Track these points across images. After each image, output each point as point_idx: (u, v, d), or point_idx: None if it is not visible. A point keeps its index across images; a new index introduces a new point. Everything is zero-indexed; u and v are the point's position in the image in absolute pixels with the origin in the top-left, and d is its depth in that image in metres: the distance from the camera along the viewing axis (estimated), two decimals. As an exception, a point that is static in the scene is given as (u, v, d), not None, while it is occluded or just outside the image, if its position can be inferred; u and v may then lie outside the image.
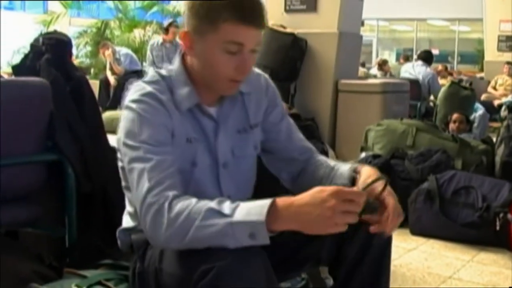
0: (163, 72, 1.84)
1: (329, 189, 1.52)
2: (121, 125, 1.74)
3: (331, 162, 2.01)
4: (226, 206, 1.53)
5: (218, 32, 1.68)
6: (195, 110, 1.82)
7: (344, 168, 1.92)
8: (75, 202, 2.42)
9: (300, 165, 2.03)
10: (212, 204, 1.54)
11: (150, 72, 1.86)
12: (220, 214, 1.51)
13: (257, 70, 1.99)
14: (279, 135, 2.01)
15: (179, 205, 1.55)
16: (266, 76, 2.02)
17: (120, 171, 1.86)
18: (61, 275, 1.98)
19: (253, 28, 1.70)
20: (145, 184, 1.61)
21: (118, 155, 1.82)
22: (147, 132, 1.68)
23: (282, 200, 1.53)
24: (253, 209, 1.51)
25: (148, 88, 1.76)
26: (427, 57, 8.87)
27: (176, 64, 1.84)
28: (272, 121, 2.00)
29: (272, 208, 1.51)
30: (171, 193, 1.59)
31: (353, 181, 1.85)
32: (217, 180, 1.85)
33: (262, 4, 1.75)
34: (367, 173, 1.82)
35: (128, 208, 1.92)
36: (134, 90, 1.77)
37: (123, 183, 1.88)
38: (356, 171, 1.87)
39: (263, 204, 1.51)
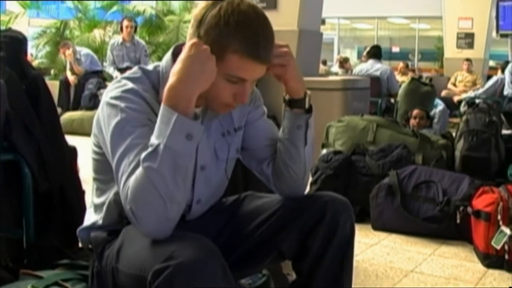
0: (149, 67, 1.79)
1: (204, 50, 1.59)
2: (104, 121, 1.68)
3: None
4: (147, 144, 1.54)
5: (223, 61, 1.62)
6: None
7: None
8: (32, 203, 2.38)
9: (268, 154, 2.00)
10: (141, 156, 1.54)
11: (133, 68, 1.79)
12: (153, 152, 1.52)
13: None
14: (255, 133, 1.98)
15: (132, 184, 1.54)
16: None
17: (93, 162, 1.83)
18: (17, 277, 1.94)
19: (260, 64, 1.67)
20: (124, 179, 1.59)
21: (93, 147, 1.79)
22: (131, 130, 1.63)
23: (164, 94, 1.57)
24: (162, 120, 1.54)
25: (130, 85, 1.70)
26: (376, 53, 8.86)
27: (165, 62, 1.79)
28: (251, 119, 1.98)
29: (168, 103, 1.54)
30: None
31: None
32: (192, 182, 1.81)
33: (273, 37, 1.70)
34: None
35: (95, 199, 1.88)
36: (115, 86, 1.71)
37: (93, 175, 1.85)
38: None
39: (162, 109, 1.55)
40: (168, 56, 1.80)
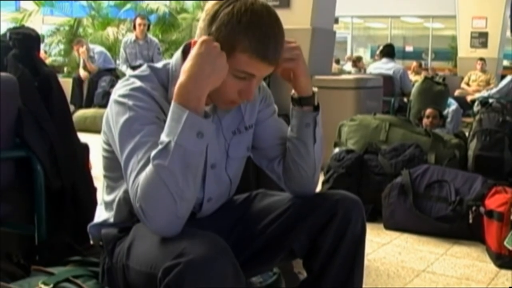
0: (158, 65, 1.79)
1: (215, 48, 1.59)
2: (113, 119, 1.69)
3: None
4: (158, 142, 1.54)
5: (232, 58, 1.62)
6: None
7: None
8: (44, 200, 2.38)
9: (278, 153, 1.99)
10: (152, 152, 1.54)
11: (142, 67, 1.80)
12: (164, 149, 1.52)
13: None
14: (266, 131, 1.98)
15: (142, 181, 1.55)
16: None
17: (103, 160, 1.84)
18: (28, 273, 1.95)
19: (269, 65, 1.67)
20: (132, 177, 1.59)
21: (103, 145, 1.80)
22: (139, 127, 1.63)
23: (174, 91, 1.57)
24: (172, 118, 1.54)
25: (138, 83, 1.70)
26: (389, 52, 8.84)
27: (175, 60, 1.79)
28: (261, 118, 1.97)
29: (178, 100, 1.54)
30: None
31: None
32: (203, 180, 1.82)
33: (283, 38, 1.71)
34: None
35: (105, 197, 1.88)
36: (123, 85, 1.72)
37: (104, 172, 1.86)
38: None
39: (173, 107, 1.55)
40: (178, 54, 1.80)
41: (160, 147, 1.52)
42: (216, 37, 1.62)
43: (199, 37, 1.67)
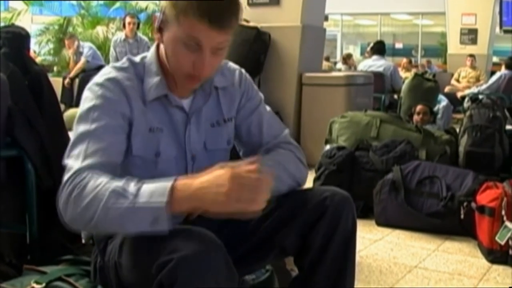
0: (136, 59, 1.84)
1: (226, 171, 1.53)
2: (80, 104, 1.75)
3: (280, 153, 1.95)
4: (132, 186, 1.53)
5: (180, 24, 1.66)
6: (163, 101, 1.81)
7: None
8: (35, 199, 2.37)
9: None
10: (119, 184, 1.54)
11: (123, 59, 1.85)
12: (124, 195, 1.51)
13: (233, 65, 2.00)
14: (250, 127, 1.98)
15: (91, 183, 1.55)
16: (243, 71, 2.01)
17: None
18: (20, 272, 1.94)
19: (214, 29, 1.66)
20: (77, 164, 1.61)
21: None
22: (100, 116, 1.69)
23: (183, 180, 1.53)
24: (156, 191, 1.51)
25: (114, 74, 1.76)
26: (379, 49, 8.86)
27: (150, 53, 1.84)
28: (244, 114, 1.98)
29: (174, 189, 1.51)
30: (90, 173, 1.58)
31: None
32: (185, 172, 1.83)
33: (236, 7, 1.70)
34: None
35: None
36: (101, 74, 1.78)
37: None
38: None
39: (165, 186, 1.51)
40: (153, 47, 1.85)
41: (123, 191, 1.53)
42: (168, 5, 1.68)
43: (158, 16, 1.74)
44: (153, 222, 1.49)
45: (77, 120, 1.71)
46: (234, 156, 2.05)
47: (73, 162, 1.62)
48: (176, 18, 1.66)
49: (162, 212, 1.49)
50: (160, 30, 1.74)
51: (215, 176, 1.53)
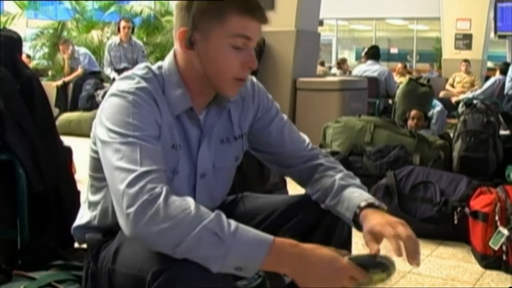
0: (155, 69, 1.74)
1: (343, 264, 1.53)
2: (106, 111, 1.63)
3: (335, 170, 1.97)
4: (226, 229, 1.44)
5: (224, 26, 1.64)
6: (182, 116, 1.74)
7: (351, 194, 1.88)
8: (26, 203, 2.36)
9: (297, 162, 1.98)
10: (212, 219, 1.45)
11: (141, 65, 1.76)
12: (220, 238, 1.43)
13: None
14: (270, 137, 1.95)
15: (178, 204, 1.45)
16: (254, 80, 1.95)
17: (90, 160, 1.78)
18: (10, 278, 1.92)
19: (258, 22, 1.68)
20: (137, 168, 1.49)
21: (92, 145, 1.74)
22: (141, 123, 1.58)
23: (289, 244, 1.51)
24: (254, 244, 1.46)
25: (143, 83, 1.66)
26: (374, 54, 8.86)
27: (167, 63, 1.76)
28: (262, 125, 1.94)
29: (274, 247, 1.47)
30: (166, 188, 1.48)
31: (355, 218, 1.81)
32: (193, 190, 1.80)
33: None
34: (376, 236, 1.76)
35: (90, 196, 1.85)
36: (127, 83, 1.66)
37: (89, 172, 1.82)
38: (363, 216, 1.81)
39: (265, 238, 1.48)
40: (170, 57, 1.77)
41: (219, 231, 1.44)
42: (201, 13, 1.64)
43: (181, 26, 1.68)
44: (239, 269, 1.46)
45: (112, 128, 1.58)
46: (241, 167, 2.04)
47: (128, 164, 1.51)
48: (218, 19, 1.63)
49: (255, 266, 1.46)
50: (191, 43, 1.67)
51: (330, 255, 1.53)
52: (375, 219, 1.75)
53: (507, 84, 8.99)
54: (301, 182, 2.00)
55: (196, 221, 1.43)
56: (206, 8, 1.64)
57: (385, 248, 1.71)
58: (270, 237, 1.48)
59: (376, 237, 1.71)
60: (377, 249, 1.67)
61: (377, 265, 1.63)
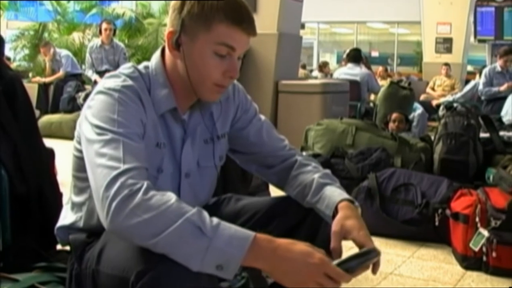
0: (141, 68, 1.76)
1: (317, 259, 1.51)
2: (92, 108, 1.63)
3: (313, 167, 2.00)
4: (208, 223, 1.44)
5: (211, 32, 1.65)
6: (167, 115, 1.76)
7: (332, 193, 1.89)
8: (8, 204, 2.35)
9: (275, 162, 1.99)
10: (194, 213, 1.44)
11: (127, 64, 1.77)
12: (202, 231, 1.43)
13: None
14: (249, 137, 1.97)
15: (158, 197, 1.45)
16: (235, 81, 1.95)
17: (73, 159, 1.78)
18: (-8, 280, 1.92)
19: (246, 34, 1.68)
20: (120, 166, 1.49)
21: (76, 144, 1.74)
22: (126, 120, 1.59)
23: (263, 235, 1.50)
24: (234, 237, 1.45)
25: (129, 82, 1.68)
26: (356, 56, 8.88)
27: (154, 63, 1.78)
28: (241, 126, 1.96)
29: (253, 243, 1.46)
30: (147, 182, 1.48)
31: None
32: (177, 189, 1.81)
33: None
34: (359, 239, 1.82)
35: (73, 197, 1.85)
36: (114, 80, 1.68)
37: (73, 172, 1.81)
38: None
39: (246, 235, 1.47)
40: (157, 56, 1.79)
41: (201, 224, 1.44)
42: (190, 16, 1.65)
43: (171, 26, 1.71)
44: (220, 267, 1.44)
45: (96, 124, 1.59)
46: (224, 169, 2.05)
47: (110, 161, 1.51)
48: (205, 25, 1.65)
49: (236, 262, 1.44)
50: (177, 45, 1.70)
51: (305, 250, 1.52)
52: (350, 214, 1.82)
53: (479, 87, 9.07)
54: (279, 184, 2.01)
55: (178, 213, 1.43)
56: (196, 12, 1.66)
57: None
58: (251, 232, 1.48)
59: (343, 232, 1.76)
60: (338, 249, 1.72)
61: (362, 264, 1.68)
